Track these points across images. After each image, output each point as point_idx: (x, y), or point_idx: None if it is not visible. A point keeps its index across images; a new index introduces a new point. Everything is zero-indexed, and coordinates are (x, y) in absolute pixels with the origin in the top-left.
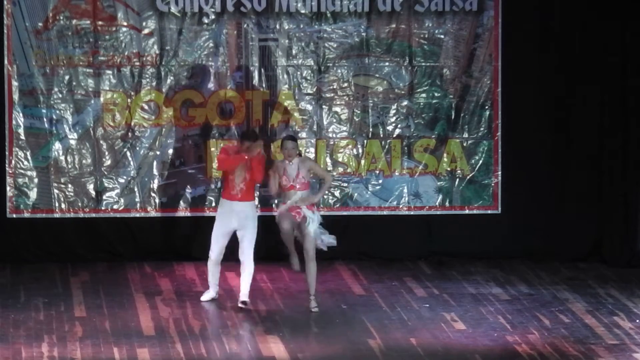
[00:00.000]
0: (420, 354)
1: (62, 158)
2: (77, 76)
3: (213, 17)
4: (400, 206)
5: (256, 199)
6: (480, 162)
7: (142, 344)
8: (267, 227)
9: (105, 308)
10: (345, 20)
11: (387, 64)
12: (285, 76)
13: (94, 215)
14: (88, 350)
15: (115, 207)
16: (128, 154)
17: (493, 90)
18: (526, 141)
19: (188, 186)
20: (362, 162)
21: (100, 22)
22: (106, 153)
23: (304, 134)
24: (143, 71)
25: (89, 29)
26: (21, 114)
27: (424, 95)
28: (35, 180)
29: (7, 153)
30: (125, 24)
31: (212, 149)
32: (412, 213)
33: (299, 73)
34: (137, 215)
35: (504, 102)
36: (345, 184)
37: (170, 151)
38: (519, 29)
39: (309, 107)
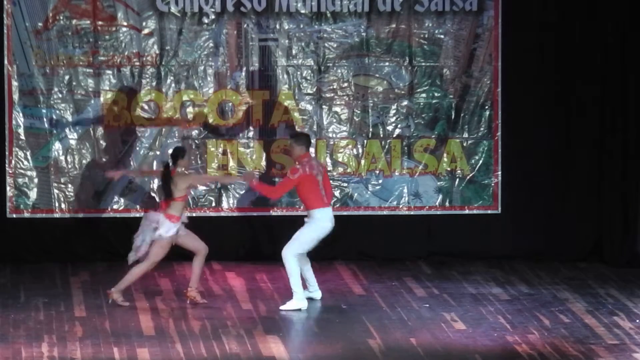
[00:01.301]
0: (420, 354)
1: (62, 158)
2: (77, 76)
3: (213, 17)
4: (400, 206)
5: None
6: (480, 162)
7: (142, 344)
8: (269, 228)
9: (105, 308)
10: (345, 20)
11: (387, 64)
12: (285, 76)
13: (94, 215)
14: (88, 350)
15: (115, 207)
16: (128, 154)
17: (493, 90)
18: (526, 141)
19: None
20: (362, 162)
21: (100, 22)
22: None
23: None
24: (143, 71)
25: (89, 29)
26: (21, 114)
27: (424, 95)
28: (35, 180)
29: (7, 153)
30: (125, 24)
31: (212, 149)
32: (412, 213)
33: (299, 73)
34: (137, 215)
35: (504, 102)
36: (345, 184)
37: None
38: (519, 29)
39: (309, 107)
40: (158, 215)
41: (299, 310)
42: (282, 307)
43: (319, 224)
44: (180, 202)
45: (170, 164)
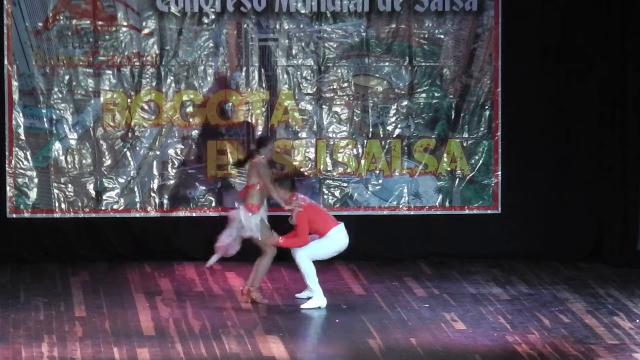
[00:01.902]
0: (420, 354)
1: (62, 158)
2: (77, 76)
3: (213, 17)
4: (400, 206)
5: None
6: (480, 162)
7: (142, 344)
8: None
9: (105, 308)
10: (345, 20)
11: (387, 64)
12: (285, 76)
13: (94, 215)
14: (88, 350)
15: (115, 207)
16: (128, 154)
17: (493, 90)
18: (526, 141)
19: (188, 186)
20: (362, 162)
21: (100, 22)
22: (106, 153)
23: (304, 134)
24: (143, 71)
25: (89, 29)
26: (21, 114)
27: (424, 95)
28: (35, 180)
29: (7, 153)
30: (125, 24)
31: (212, 149)
32: (412, 213)
33: (299, 73)
34: (137, 215)
35: (504, 102)
36: (345, 184)
37: (170, 151)
38: (519, 29)
39: (309, 107)
40: (239, 212)
41: (319, 308)
42: (303, 306)
43: (337, 239)
44: (256, 190)
45: (255, 150)
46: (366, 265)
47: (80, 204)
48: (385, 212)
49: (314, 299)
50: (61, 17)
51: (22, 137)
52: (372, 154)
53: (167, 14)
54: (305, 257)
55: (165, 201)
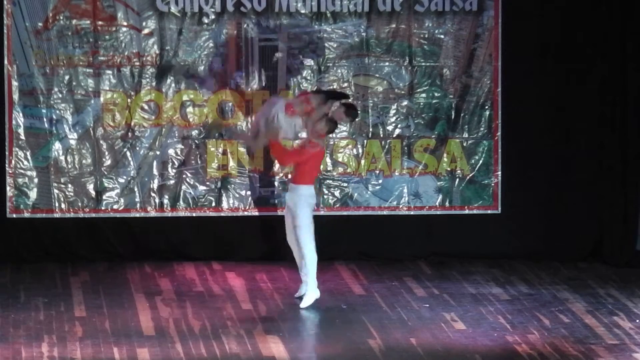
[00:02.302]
0: (420, 354)
1: (62, 158)
2: (77, 76)
3: (213, 17)
4: (400, 206)
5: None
6: (480, 162)
7: (142, 344)
8: (269, 228)
9: (105, 308)
10: (345, 20)
11: (387, 64)
12: (285, 76)
13: (94, 215)
14: (88, 350)
15: (115, 207)
16: (128, 154)
17: (493, 90)
18: (526, 141)
19: (188, 186)
20: (362, 162)
21: (100, 22)
22: (106, 153)
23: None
24: (143, 71)
25: (89, 29)
26: (21, 114)
27: (424, 95)
28: (35, 180)
29: (7, 153)
30: (125, 24)
31: (212, 149)
32: (412, 213)
33: (299, 73)
34: (137, 215)
35: (504, 102)
36: (345, 184)
37: (170, 151)
38: (519, 29)
39: None
40: (279, 102)
41: (316, 300)
42: (302, 305)
43: (309, 200)
44: (305, 106)
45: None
46: (366, 265)
47: (80, 204)
48: (385, 212)
49: (309, 293)
50: (61, 17)
51: (22, 137)
52: (372, 154)
53: (167, 14)
54: (310, 243)
55: (165, 201)
